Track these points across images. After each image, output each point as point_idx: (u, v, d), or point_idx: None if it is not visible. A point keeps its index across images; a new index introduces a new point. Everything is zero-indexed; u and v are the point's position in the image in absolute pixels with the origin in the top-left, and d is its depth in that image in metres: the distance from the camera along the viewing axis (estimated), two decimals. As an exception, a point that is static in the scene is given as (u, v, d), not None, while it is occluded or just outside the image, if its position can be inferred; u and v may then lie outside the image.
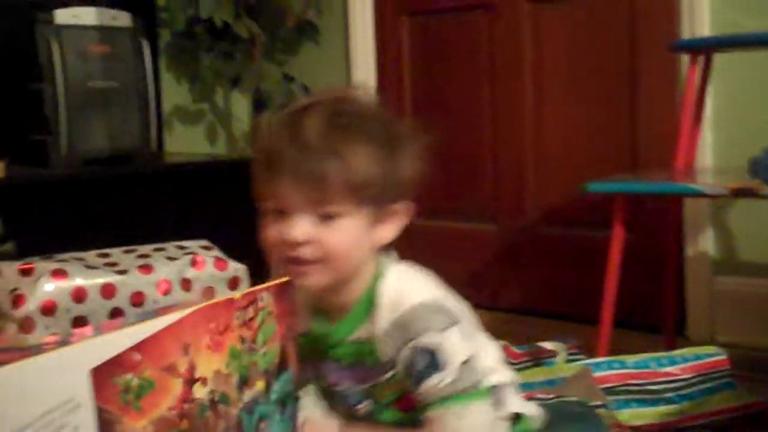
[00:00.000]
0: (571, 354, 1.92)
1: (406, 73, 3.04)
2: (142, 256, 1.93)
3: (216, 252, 2.01)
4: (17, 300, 1.72)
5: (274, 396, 0.96)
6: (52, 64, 2.48)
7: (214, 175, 2.74)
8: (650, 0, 2.45)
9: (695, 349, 1.81)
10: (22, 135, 2.60)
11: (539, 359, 1.89)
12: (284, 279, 0.98)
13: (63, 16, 2.51)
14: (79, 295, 1.77)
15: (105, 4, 2.65)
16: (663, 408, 1.69)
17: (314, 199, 1.05)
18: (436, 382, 1.06)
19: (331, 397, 1.18)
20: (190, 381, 0.84)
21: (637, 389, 1.72)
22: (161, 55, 3.14)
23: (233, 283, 1.98)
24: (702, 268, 2.39)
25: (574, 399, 1.57)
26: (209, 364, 0.86)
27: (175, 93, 3.25)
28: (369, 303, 1.12)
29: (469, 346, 1.08)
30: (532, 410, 1.23)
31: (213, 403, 0.87)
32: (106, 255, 1.93)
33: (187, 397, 0.83)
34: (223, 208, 2.70)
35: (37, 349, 0.73)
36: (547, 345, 1.92)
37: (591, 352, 1.91)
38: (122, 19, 2.62)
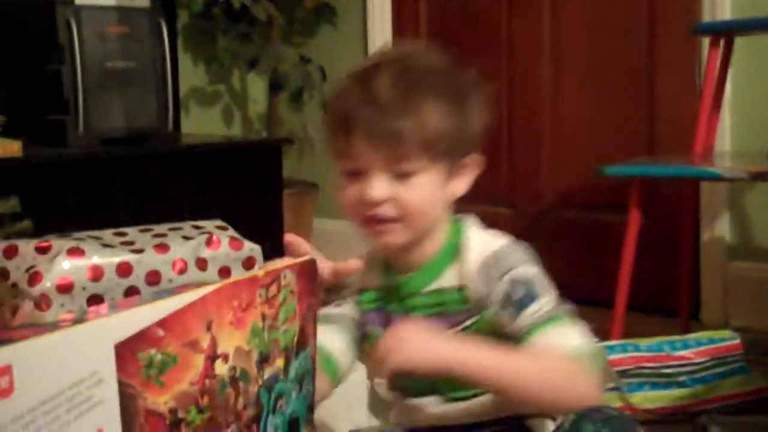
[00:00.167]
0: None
1: (423, 56, 3.03)
2: (158, 235, 1.94)
3: (231, 232, 2.02)
4: (34, 277, 1.73)
5: (292, 373, 0.97)
6: (71, 44, 2.48)
7: (229, 157, 2.75)
8: (670, -18, 2.44)
9: (709, 333, 1.81)
10: (39, 114, 2.61)
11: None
12: (307, 258, 0.98)
13: (82, -4, 2.52)
14: (95, 274, 1.78)
15: (123, -16, 2.65)
16: (676, 391, 1.70)
17: (390, 158, 1.05)
18: (535, 309, 1.06)
19: None
20: (212, 357, 0.84)
21: (651, 372, 1.72)
22: (179, 37, 3.15)
23: (248, 263, 1.98)
24: (717, 253, 2.39)
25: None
26: (231, 340, 0.86)
27: (192, 74, 3.26)
28: (451, 253, 1.13)
29: None
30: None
31: (233, 380, 0.88)
32: (122, 234, 1.94)
33: (208, 373, 0.84)
34: (238, 189, 2.71)
35: (54, 327, 0.73)
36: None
37: (605, 335, 1.91)
38: (140, -1, 2.63)
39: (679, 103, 2.42)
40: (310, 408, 1.03)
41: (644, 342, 1.77)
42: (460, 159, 1.12)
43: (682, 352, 1.75)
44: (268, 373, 0.93)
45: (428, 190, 1.09)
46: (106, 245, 1.84)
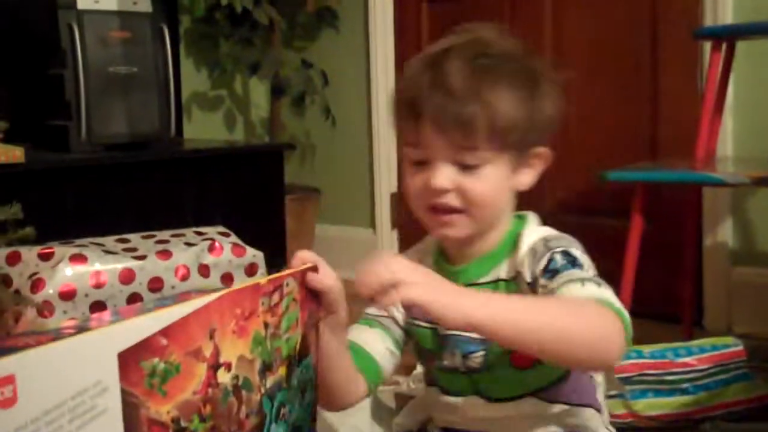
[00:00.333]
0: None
1: (425, 61, 3.03)
2: (160, 241, 1.95)
3: (233, 238, 2.02)
4: (36, 284, 1.74)
5: (295, 382, 0.97)
6: (74, 49, 2.49)
7: (232, 162, 2.75)
8: (673, -13, 2.44)
9: (712, 340, 1.80)
10: (42, 120, 2.62)
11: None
12: (309, 265, 0.98)
13: (85, 1, 2.52)
14: (97, 280, 1.79)
15: (126, -11, 2.65)
16: (679, 398, 1.69)
17: (458, 146, 1.03)
18: (570, 273, 1.03)
19: (443, 345, 1.13)
20: (215, 366, 0.84)
21: (654, 379, 1.72)
22: (181, 41, 3.15)
23: (250, 270, 1.99)
24: (720, 259, 2.38)
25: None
26: (234, 349, 0.86)
27: (194, 79, 3.26)
28: (510, 245, 1.10)
29: None
30: None
31: (236, 389, 0.87)
32: (125, 240, 1.94)
33: (211, 382, 0.84)
34: (240, 194, 2.71)
35: (57, 334, 0.73)
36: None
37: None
38: (143, 4, 2.63)
39: (682, 106, 2.42)
40: (313, 416, 1.03)
41: (647, 348, 1.77)
42: (529, 150, 1.09)
43: (685, 359, 1.74)
44: (270, 381, 0.92)
45: (494, 182, 1.06)
46: (108, 252, 1.84)
